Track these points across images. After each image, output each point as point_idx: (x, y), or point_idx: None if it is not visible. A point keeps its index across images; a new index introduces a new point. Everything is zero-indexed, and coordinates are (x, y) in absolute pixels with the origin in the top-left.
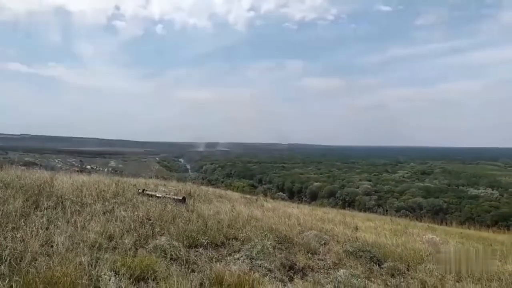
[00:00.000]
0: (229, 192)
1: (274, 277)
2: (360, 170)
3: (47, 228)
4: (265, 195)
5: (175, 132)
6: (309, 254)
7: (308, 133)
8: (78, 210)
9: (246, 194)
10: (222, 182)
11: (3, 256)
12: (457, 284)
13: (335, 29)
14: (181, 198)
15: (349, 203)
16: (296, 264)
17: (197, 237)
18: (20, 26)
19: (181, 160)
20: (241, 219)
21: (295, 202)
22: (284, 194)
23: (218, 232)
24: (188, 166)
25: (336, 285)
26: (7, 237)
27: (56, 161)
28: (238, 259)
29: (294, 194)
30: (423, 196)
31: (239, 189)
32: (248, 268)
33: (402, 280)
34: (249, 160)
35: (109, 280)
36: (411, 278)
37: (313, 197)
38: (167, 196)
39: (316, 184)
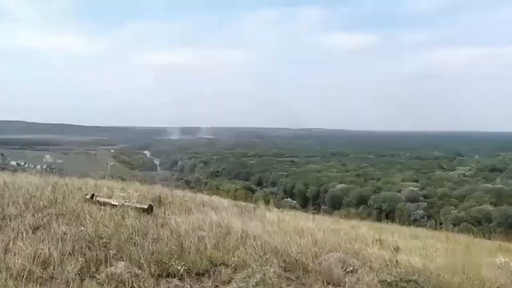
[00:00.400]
0: (215, 199)
1: None
2: (403, 166)
3: None
4: (267, 202)
5: (138, 114)
6: (330, 286)
7: (329, 114)
8: None
9: (240, 201)
10: (206, 184)
11: None
12: None
13: None
14: (146, 206)
15: (387, 214)
16: None
17: (169, 262)
18: None
19: (147, 153)
20: (233, 236)
21: (309, 212)
22: (294, 201)
23: (200, 255)
24: (157, 162)
25: None
26: None
27: None
28: None
29: (309, 201)
30: (493, 203)
31: (230, 194)
32: None
33: None
34: (244, 153)
35: None
36: None
37: (335, 205)
38: (127, 204)
39: (340, 186)
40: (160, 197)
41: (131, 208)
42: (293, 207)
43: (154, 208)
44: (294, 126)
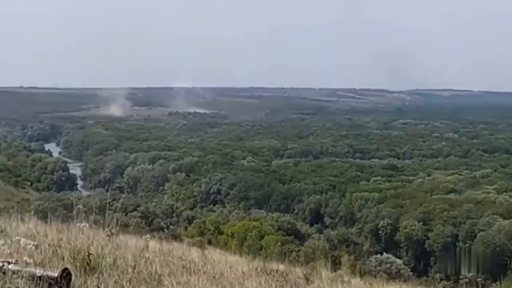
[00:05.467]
0: (216, 255)
1: None
2: None
3: None
4: (335, 262)
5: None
6: None
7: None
8: None
9: (271, 261)
10: (190, 219)
11: None
12: None
13: None
14: (56, 274)
15: None
16: None
17: None
18: None
19: (52, 147)
20: None
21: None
22: (398, 260)
23: None
24: (77, 170)
25: None
26: None
27: None
28: None
29: (432, 257)
30: None
31: (248, 245)
32: None
33: None
34: (278, 148)
35: None
36: None
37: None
38: (11, 267)
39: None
40: (88, 253)
41: (22, 278)
42: (397, 272)
43: (74, 278)
44: (400, 87)
